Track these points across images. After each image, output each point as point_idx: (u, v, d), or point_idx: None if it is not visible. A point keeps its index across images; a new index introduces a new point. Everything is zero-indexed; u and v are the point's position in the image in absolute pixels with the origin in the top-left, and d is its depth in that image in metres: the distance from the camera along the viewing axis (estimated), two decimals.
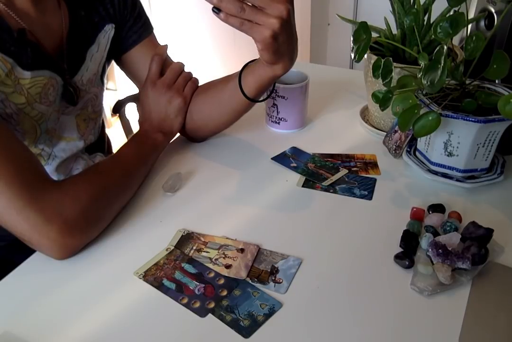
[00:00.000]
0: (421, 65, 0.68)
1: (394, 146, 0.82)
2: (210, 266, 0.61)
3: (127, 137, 1.20)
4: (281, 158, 0.83)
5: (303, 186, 0.76)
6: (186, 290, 0.58)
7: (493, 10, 1.18)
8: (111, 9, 0.80)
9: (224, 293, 0.57)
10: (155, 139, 0.80)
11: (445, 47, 0.63)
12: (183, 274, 0.60)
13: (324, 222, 0.69)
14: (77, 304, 0.56)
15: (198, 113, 0.83)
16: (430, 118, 0.65)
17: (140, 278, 0.59)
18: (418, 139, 0.79)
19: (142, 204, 0.72)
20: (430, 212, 0.69)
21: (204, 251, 0.63)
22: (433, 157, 0.75)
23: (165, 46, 0.86)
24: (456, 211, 0.67)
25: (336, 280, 0.59)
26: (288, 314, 0.54)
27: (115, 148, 0.94)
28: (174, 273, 0.60)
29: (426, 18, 0.81)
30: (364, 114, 0.96)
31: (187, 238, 0.65)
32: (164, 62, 0.84)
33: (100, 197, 0.64)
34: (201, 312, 0.55)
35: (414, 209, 0.68)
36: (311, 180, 0.77)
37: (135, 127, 0.93)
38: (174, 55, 0.89)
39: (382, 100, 0.72)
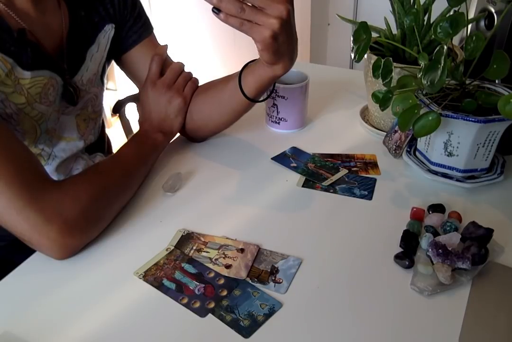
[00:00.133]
0: (421, 65, 0.68)
1: (394, 146, 0.82)
2: (210, 266, 0.61)
3: (127, 137, 1.20)
4: (281, 158, 0.83)
5: (303, 186, 0.76)
6: (186, 290, 0.58)
7: (493, 10, 1.18)
8: (111, 9, 0.80)
9: (224, 293, 0.57)
10: (155, 139, 0.80)
11: (445, 47, 0.63)
12: (183, 274, 0.60)
13: (324, 222, 0.69)
14: (77, 304, 0.56)
15: (198, 113, 0.83)
16: (430, 118, 0.65)
17: (140, 278, 0.59)
18: (418, 139, 0.79)
19: (142, 204, 0.72)
20: (430, 212, 0.69)
21: (204, 251, 0.63)
22: (433, 157, 0.75)
23: (165, 46, 0.86)
24: (456, 211, 0.67)
25: (336, 280, 0.59)
26: (288, 314, 0.54)
27: (115, 148, 0.94)
28: (174, 273, 0.60)
29: (426, 18, 0.81)
30: (364, 114, 0.96)
31: (187, 238, 0.65)
32: (164, 62, 0.84)
33: (100, 197, 0.64)
34: (201, 312, 0.55)
35: (414, 209, 0.68)
36: (311, 180, 0.77)
37: (135, 127, 0.93)
38: (174, 55, 0.89)
39: (382, 100, 0.72)
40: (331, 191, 0.75)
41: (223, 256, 0.62)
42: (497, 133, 0.70)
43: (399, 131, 0.81)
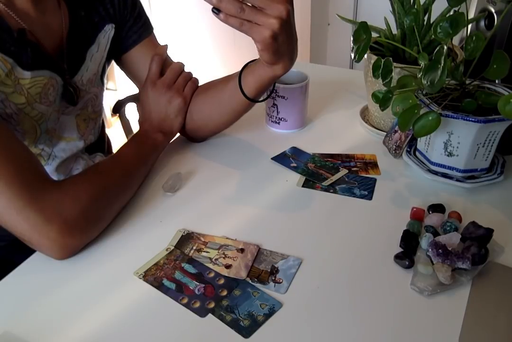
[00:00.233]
0: (421, 65, 0.68)
1: (394, 146, 0.82)
2: (210, 266, 0.61)
3: (127, 137, 1.20)
4: (281, 158, 0.83)
5: (303, 186, 0.76)
6: (186, 290, 0.58)
7: (493, 10, 1.18)
8: (111, 9, 0.80)
9: (224, 293, 0.57)
10: (155, 139, 0.80)
11: (445, 47, 0.63)
12: (183, 274, 0.60)
13: (324, 222, 0.69)
14: (77, 304, 0.56)
15: (198, 113, 0.83)
16: (430, 118, 0.65)
17: (140, 278, 0.59)
18: (418, 139, 0.79)
19: (142, 204, 0.72)
20: (430, 212, 0.69)
21: (204, 251, 0.63)
22: (433, 157, 0.75)
23: (165, 46, 0.86)
24: (456, 211, 0.67)
25: (336, 280, 0.59)
26: (288, 314, 0.54)
27: (115, 148, 0.94)
28: (174, 273, 0.60)
29: (426, 18, 0.81)
30: (364, 114, 0.96)
31: (187, 238, 0.65)
32: (164, 62, 0.84)
33: (100, 197, 0.64)
34: (201, 312, 0.55)
35: (414, 209, 0.68)
36: (311, 180, 0.77)
37: (135, 127, 0.93)
38: (174, 55, 0.89)
39: (382, 100, 0.72)
40: (331, 191, 0.75)
41: (223, 256, 0.62)
42: (497, 133, 0.70)
43: (399, 131, 0.81)
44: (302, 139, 0.89)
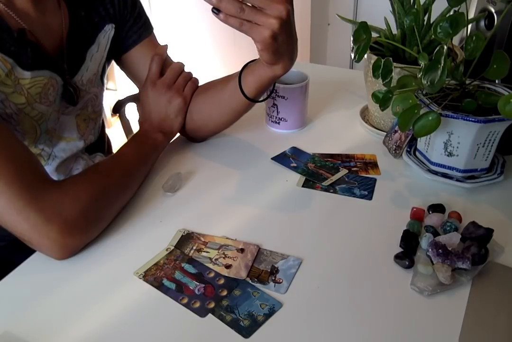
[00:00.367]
0: (421, 65, 0.68)
1: (394, 146, 0.82)
2: (210, 266, 0.61)
3: (127, 137, 1.20)
4: (281, 158, 0.83)
5: (303, 186, 0.76)
6: (186, 290, 0.58)
7: (493, 10, 1.18)
8: (111, 9, 0.80)
9: (224, 293, 0.57)
10: (155, 139, 0.80)
11: (445, 47, 0.63)
12: (183, 274, 0.60)
13: (324, 222, 0.69)
14: (77, 304, 0.56)
15: (198, 113, 0.83)
16: (430, 118, 0.65)
17: (140, 278, 0.59)
18: (418, 139, 0.79)
19: (142, 204, 0.72)
20: (430, 212, 0.69)
21: (204, 251, 0.63)
22: (433, 157, 0.75)
23: (165, 46, 0.86)
24: (456, 211, 0.67)
25: (336, 280, 0.59)
26: (288, 314, 0.54)
27: (115, 148, 0.94)
28: (174, 273, 0.60)
29: (426, 18, 0.81)
30: (364, 114, 0.96)
31: (187, 238, 0.65)
32: (164, 62, 0.84)
33: (100, 197, 0.64)
34: (201, 312, 0.55)
35: (414, 209, 0.68)
36: (311, 180, 0.77)
37: (135, 127, 0.93)
38: (174, 55, 0.89)
39: (382, 100, 0.72)
40: (331, 191, 0.75)
41: (223, 256, 0.62)
42: (497, 133, 0.70)
43: (399, 131, 0.81)
44: (302, 139, 0.89)
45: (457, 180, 0.74)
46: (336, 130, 0.93)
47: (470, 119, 0.67)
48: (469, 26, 0.80)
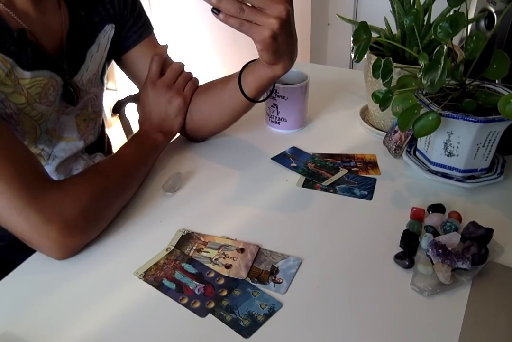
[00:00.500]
0: (421, 65, 0.68)
1: (394, 146, 0.82)
2: (210, 266, 0.61)
3: (127, 137, 1.20)
4: (281, 158, 0.83)
5: (303, 186, 0.76)
6: (186, 290, 0.58)
7: (493, 10, 1.18)
8: (111, 9, 0.80)
9: (224, 293, 0.57)
10: (155, 139, 0.80)
11: (445, 47, 0.63)
12: (183, 274, 0.60)
13: (324, 222, 0.69)
14: (77, 304, 0.56)
15: (198, 113, 0.83)
16: (430, 118, 0.65)
17: (140, 278, 0.59)
18: (418, 139, 0.79)
19: (142, 204, 0.72)
20: (430, 212, 0.69)
21: (204, 251, 0.63)
22: (433, 157, 0.75)
23: (165, 46, 0.86)
24: (456, 211, 0.67)
25: (336, 280, 0.59)
26: (288, 314, 0.54)
27: (115, 148, 0.94)
28: (174, 273, 0.60)
29: (426, 18, 0.81)
30: (364, 114, 0.96)
31: (187, 238, 0.65)
32: (164, 62, 0.84)
33: (100, 197, 0.64)
34: (201, 312, 0.55)
35: (414, 209, 0.68)
36: (311, 180, 0.77)
37: (135, 127, 0.93)
38: (174, 55, 0.89)
39: (382, 100, 0.72)
40: (331, 191, 0.75)
41: (223, 256, 0.62)
42: (497, 133, 0.70)
43: (399, 131, 0.81)
44: (302, 139, 0.89)
45: (457, 180, 0.74)
46: (336, 130, 0.93)
47: (470, 119, 0.67)
48: (469, 26, 0.80)
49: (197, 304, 0.56)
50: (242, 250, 0.63)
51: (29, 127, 0.73)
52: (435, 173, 0.75)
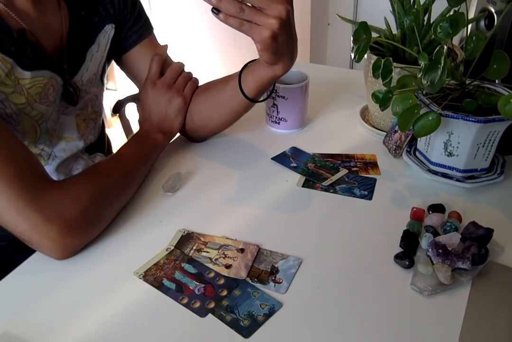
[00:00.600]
0: (421, 65, 0.68)
1: (394, 146, 0.82)
2: (210, 266, 0.61)
3: (127, 137, 1.20)
4: (281, 158, 0.83)
5: (303, 186, 0.76)
6: (186, 290, 0.58)
7: (493, 10, 1.18)
8: (111, 9, 0.80)
9: (224, 293, 0.57)
10: (155, 139, 0.80)
11: (445, 47, 0.63)
12: (183, 274, 0.60)
13: (324, 222, 0.69)
14: (77, 304, 0.56)
15: (198, 114, 0.83)
16: (430, 118, 0.65)
17: (140, 278, 0.59)
18: (418, 139, 0.79)
19: (142, 204, 0.72)
20: (430, 212, 0.69)
21: (204, 251, 0.63)
22: (433, 157, 0.75)
23: (165, 46, 0.86)
24: (456, 211, 0.67)
25: (336, 280, 0.59)
26: (288, 314, 0.54)
27: (115, 148, 0.94)
28: (174, 273, 0.60)
29: (426, 18, 0.81)
30: (364, 114, 0.96)
31: (187, 238, 0.65)
32: (164, 62, 0.84)
33: (100, 197, 0.64)
34: (201, 312, 0.55)
35: (414, 209, 0.68)
36: (311, 180, 0.77)
37: (135, 127, 0.93)
38: (174, 55, 0.89)
39: (382, 100, 0.72)
40: (331, 191, 0.75)
41: (223, 256, 0.62)
42: (497, 133, 0.70)
43: (399, 131, 0.81)
44: (302, 139, 0.89)
45: (457, 180, 0.74)
46: (336, 130, 0.93)
47: (470, 119, 0.67)
48: (469, 26, 0.80)
49: (197, 304, 0.56)
50: (242, 250, 0.63)
51: (29, 127, 0.73)
52: (435, 173, 0.75)
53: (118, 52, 0.86)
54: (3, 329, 0.53)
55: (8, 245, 0.80)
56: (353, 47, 0.74)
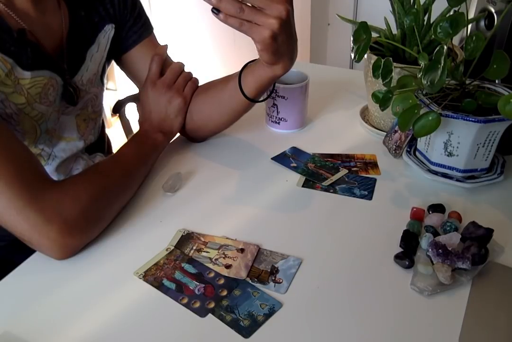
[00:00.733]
0: (421, 65, 0.68)
1: (394, 146, 0.82)
2: (210, 266, 0.61)
3: (127, 137, 1.20)
4: (281, 158, 0.83)
5: (303, 186, 0.76)
6: (186, 290, 0.58)
7: (493, 10, 1.18)
8: (111, 9, 0.80)
9: (224, 293, 0.57)
10: (155, 139, 0.80)
11: (445, 47, 0.63)
12: (183, 274, 0.60)
13: (324, 222, 0.69)
14: (77, 304, 0.56)
15: (198, 114, 0.83)
16: (430, 118, 0.65)
17: (140, 278, 0.59)
18: (418, 139, 0.79)
19: (142, 204, 0.72)
20: (430, 212, 0.69)
21: (204, 251, 0.63)
22: (433, 157, 0.75)
23: (165, 46, 0.86)
24: (456, 211, 0.67)
25: (336, 280, 0.59)
26: (288, 314, 0.54)
27: (115, 148, 0.94)
28: (174, 273, 0.60)
29: (426, 18, 0.81)
30: (364, 114, 0.96)
31: (187, 238, 0.65)
32: (164, 62, 0.84)
33: (100, 197, 0.64)
34: (201, 312, 0.55)
35: (414, 209, 0.68)
36: (311, 180, 0.77)
37: (135, 127, 0.93)
38: (174, 55, 0.89)
39: (382, 100, 0.72)
40: (331, 191, 0.75)
41: (223, 256, 0.62)
42: (497, 133, 0.70)
43: (399, 131, 0.81)
44: (302, 139, 0.89)
45: (457, 180, 0.74)
46: (336, 130, 0.93)
47: (470, 119, 0.67)
48: (469, 26, 0.80)
49: (197, 304, 0.56)
50: (242, 250, 0.63)
51: (29, 127, 0.73)
52: (435, 173, 0.75)
53: (118, 52, 0.86)
54: (3, 329, 0.53)
55: (8, 245, 0.80)
56: (353, 47, 0.74)
